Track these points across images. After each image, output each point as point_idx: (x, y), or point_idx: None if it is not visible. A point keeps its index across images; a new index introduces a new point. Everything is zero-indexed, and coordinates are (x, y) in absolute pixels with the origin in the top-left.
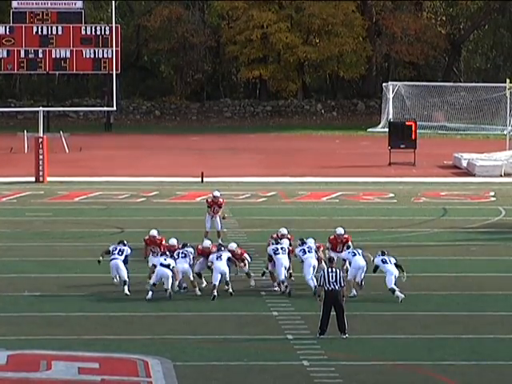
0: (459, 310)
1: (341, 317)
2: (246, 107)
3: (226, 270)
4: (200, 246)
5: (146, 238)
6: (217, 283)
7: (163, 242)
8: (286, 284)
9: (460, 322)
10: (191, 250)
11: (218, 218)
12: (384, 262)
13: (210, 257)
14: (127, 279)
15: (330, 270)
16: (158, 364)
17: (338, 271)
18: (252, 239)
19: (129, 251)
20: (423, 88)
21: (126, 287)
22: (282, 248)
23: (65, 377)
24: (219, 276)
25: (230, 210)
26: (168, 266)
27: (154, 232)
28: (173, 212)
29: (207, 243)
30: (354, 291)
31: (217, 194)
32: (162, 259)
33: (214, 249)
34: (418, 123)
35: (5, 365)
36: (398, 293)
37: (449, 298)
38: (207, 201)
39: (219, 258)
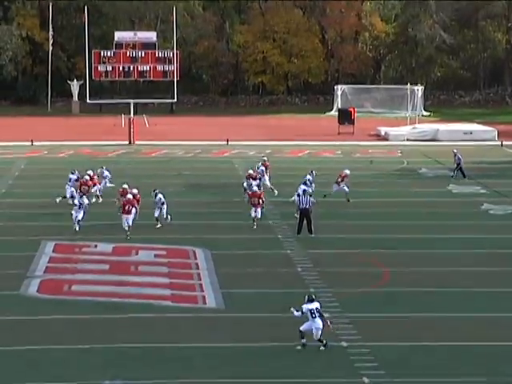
0: (386, 220)
1: (309, 224)
2: (253, 100)
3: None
4: (120, 189)
5: (120, 190)
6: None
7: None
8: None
9: (380, 226)
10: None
11: (266, 176)
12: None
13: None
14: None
15: (303, 196)
16: (201, 252)
17: (308, 197)
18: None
19: (75, 177)
20: (358, 89)
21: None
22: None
23: (146, 259)
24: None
25: (245, 161)
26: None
27: (125, 186)
28: (211, 162)
29: (125, 186)
30: None
31: (265, 158)
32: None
33: (130, 190)
34: (355, 109)
35: (110, 252)
36: None
37: (376, 213)
38: (262, 163)
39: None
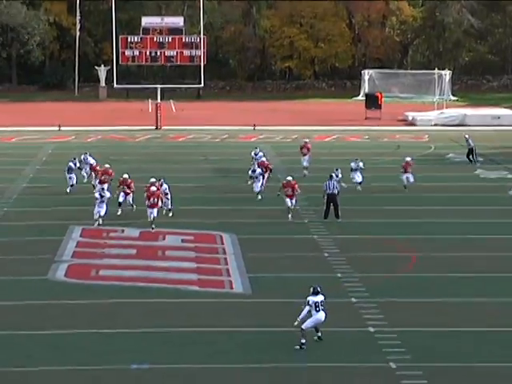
0: (413, 205)
1: (336, 209)
2: (280, 85)
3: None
4: (121, 178)
5: (121, 179)
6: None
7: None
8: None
9: (407, 211)
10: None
11: (306, 158)
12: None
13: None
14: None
15: (330, 181)
16: (228, 237)
17: (334, 183)
18: (284, 163)
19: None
20: (386, 74)
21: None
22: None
23: (173, 244)
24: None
25: (272, 147)
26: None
27: (125, 175)
28: (238, 147)
29: (126, 175)
30: None
31: (306, 140)
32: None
33: (129, 181)
34: (382, 94)
35: (137, 237)
36: None
37: (403, 198)
38: (300, 146)
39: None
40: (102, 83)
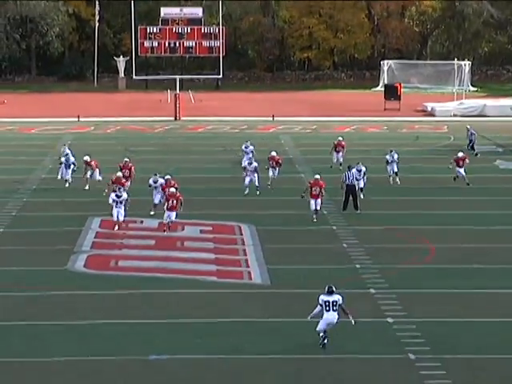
0: (432, 196)
1: (355, 201)
2: (299, 76)
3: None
4: (113, 176)
5: (113, 178)
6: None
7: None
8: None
9: (426, 202)
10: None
11: (340, 154)
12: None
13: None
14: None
15: (349, 172)
16: (247, 227)
17: (353, 173)
18: (303, 154)
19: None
20: (405, 64)
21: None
22: None
23: (192, 235)
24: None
25: (291, 138)
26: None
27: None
28: (256, 138)
29: (119, 174)
30: None
31: (340, 138)
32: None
33: (123, 179)
34: (401, 85)
35: (156, 228)
36: None
37: (422, 188)
38: (334, 143)
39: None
40: (121, 74)
